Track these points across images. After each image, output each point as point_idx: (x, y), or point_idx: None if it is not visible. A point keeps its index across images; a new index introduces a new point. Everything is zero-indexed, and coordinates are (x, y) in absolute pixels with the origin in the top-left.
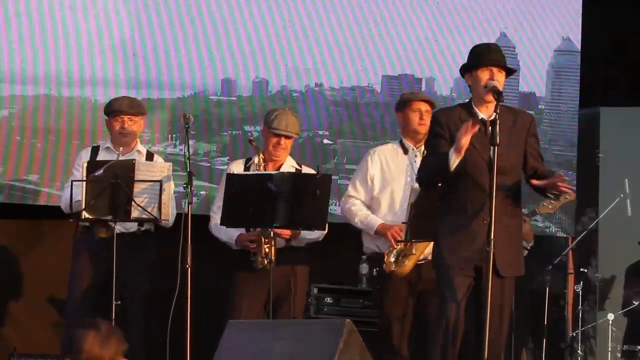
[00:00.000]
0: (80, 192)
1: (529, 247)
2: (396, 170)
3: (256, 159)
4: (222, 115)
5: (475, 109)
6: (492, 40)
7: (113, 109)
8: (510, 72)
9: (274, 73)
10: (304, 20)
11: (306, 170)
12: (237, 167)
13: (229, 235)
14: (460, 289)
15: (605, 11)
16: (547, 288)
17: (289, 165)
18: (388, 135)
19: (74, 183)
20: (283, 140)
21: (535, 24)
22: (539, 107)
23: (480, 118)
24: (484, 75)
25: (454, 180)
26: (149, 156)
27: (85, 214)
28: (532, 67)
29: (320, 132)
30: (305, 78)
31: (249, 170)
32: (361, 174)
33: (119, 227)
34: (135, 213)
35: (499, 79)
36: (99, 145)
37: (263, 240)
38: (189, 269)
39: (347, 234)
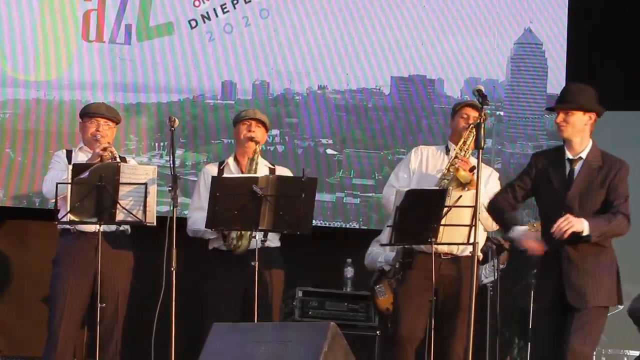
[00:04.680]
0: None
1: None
2: (432, 169)
3: (230, 160)
4: (217, 121)
5: (567, 151)
6: (515, 38)
7: (90, 112)
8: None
9: (275, 75)
10: (306, 19)
11: (280, 170)
12: (212, 170)
13: None
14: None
15: (592, 13)
16: (532, 291)
17: (262, 165)
18: (399, 144)
19: (58, 185)
20: (254, 125)
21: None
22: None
23: (567, 158)
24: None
25: None
26: (121, 160)
27: (70, 217)
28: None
29: (324, 141)
30: (307, 80)
31: (222, 173)
32: (404, 166)
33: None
34: (120, 216)
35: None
36: (72, 150)
37: None
38: (174, 271)
39: (331, 238)
